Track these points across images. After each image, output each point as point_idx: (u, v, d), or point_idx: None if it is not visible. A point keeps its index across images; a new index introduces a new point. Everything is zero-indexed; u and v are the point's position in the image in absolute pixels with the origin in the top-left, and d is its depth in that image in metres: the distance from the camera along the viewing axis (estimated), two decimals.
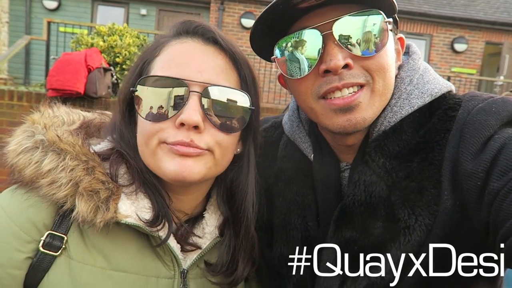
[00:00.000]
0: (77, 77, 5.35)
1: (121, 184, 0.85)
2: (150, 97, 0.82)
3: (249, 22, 11.21)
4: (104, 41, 6.58)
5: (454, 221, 0.81)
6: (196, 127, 0.80)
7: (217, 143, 0.84)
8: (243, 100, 0.86)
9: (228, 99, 0.84)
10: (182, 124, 0.79)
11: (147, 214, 0.84)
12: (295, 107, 1.12)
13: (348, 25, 0.83)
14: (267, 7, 0.85)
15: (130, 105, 0.89)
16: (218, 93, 0.82)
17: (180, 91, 0.80)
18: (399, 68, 0.96)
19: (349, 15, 0.83)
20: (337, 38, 0.83)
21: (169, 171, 0.80)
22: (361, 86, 0.86)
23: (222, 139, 0.84)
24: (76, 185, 0.78)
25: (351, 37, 0.83)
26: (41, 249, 0.77)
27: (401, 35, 0.98)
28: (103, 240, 0.82)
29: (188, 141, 0.79)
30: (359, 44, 0.84)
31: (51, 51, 7.86)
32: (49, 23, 7.61)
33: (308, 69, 0.87)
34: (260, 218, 1.04)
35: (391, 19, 0.88)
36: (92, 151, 0.85)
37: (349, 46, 0.83)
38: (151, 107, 0.81)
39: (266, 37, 0.91)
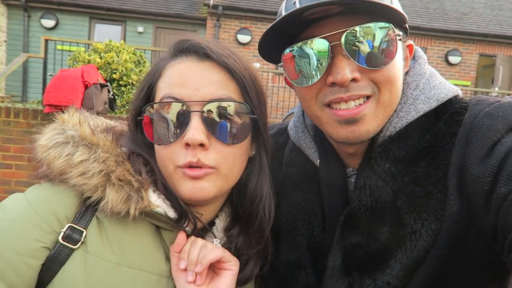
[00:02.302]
0: (74, 93, 5.36)
1: (147, 179, 0.87)
2: (156, 123, 0.86)
3: (244, 38, 11.36)
4: (101, 58, 6.62)
5: (461, 226, 0.80)
6: (202, 145, 0.82)
7: (224, 158, 0.86)
8: (243, 110, 0.88)
9: (228, 112, 0.86)
10: (188, 144, 0.82)
11: (172, 211, 0.86)
12: (300, 113, 1.12)
13: (357, 37, 0.83)
14: (276, 20, 0.85)
15: (140, 125, 0.92)
16: (218, 108, 0.85)
17: (182, 112, 0.84)
18: (405, 73, 0.96)
19: (359, 27, 0.83)
20: (345, 49, 0.83)
21: (184, 194, 0.85)
22: (367, 97, 0.86)
23: (228, 152, 0.87)
24: (108, 175, 0.81)
25: (359, 49, 0.83)
26: (61, 240, 0.78)
27: (410, 42, 0.97)
28: (121, 235, 0.83)
29: (195, 161, 0.82)
30: (367, 56, 0.83)
31: (48, 68, 7.91)
32: (46, 41, 7.67)
33: (315, 79, 0.87)
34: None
35: (400, 32, 0.88)
36: (120, 149, 0.88)
37: (357, 58, 0.83)
38: (159, 132, 0.86)
39: (274, 43, 0.92)
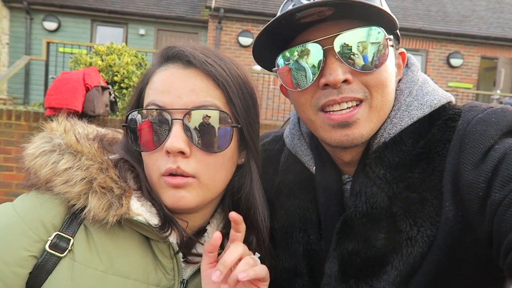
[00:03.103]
0: (75, 96, 5.37)
1: (131, 186, 0.88)
2: (140, 129, 0.87)
3: (246, 40, 11.38)
4: (102, 60, 6.64)
5: (457, 232, 0.80)
6: (182, 153, 0.83)
7: (205, 167, 0.86)
8: (226, 118, 0.87)
9: (209, 121, 0.85)
10: (168, 152, 0.82)
11: (155, 219, 0.85)
12: (296, 121, 1.12)
13: (349, 40, 0.84)
14: (269, 22, 0.86)
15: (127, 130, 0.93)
16: (199, 116, 0.84)
17: (163, 120, 0.84)
18: (399, 80, 0.97)
19: (350, 30, 0.84)
20: (337, 52, 0.84)
21: (166, 203, 0.86)
22: (360, 101, 0.87)
23: (210, 161, 0.86)
24: (90, 182, 0.81)
25: (351, 52, 0.84)
26: (48, 249, 0.78)
27: (402, 49, 0.99)
28: (108, 243, 0.83)
29: (175, 168, 0.82)
30: (359, 60, 0.85)
31: (50, 71, 7.92)
32: (48, 43, 7.70)
33: (309, 82, 0.88)
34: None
35: (391, 36, 0.89)
36: (106, 157, 0.88)
37: (349, 61, 0.85)
38: (143, 139, 0.86)
39: (268, 49, 0.93)
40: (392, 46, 0.90)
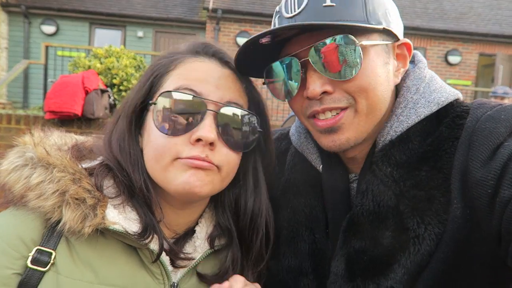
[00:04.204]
0: (75, 99, 5.38)
1: (106, 195, 0.86)
2: (168, 111, 0.85)
3: (244, 41, 11.35)
4: (101, 63, 6.65)
5: (464, 230, 0.80)
6: (211, 144, 0.83)
7: (227, 161, 0.87)
8: (253, 121, 0.92)
9: (240, 120, 0.89)
10: (197, 140, 0.82)
11: (135, 226, 0.84)
12: None
13: (321, 52, 0.84)
14: (242, 45, 0.86)
15: (137, 117, 0.91)
16: (232, 114, 0.88)
17: (198, 108, 0.84)
18: (405, 77, 0.95)
19: (323, 41, 0.83)
20: (313, 64, 0.85)
21: (180, 184, 0.83)
22: (343, 109, 0.87)
23: (231, 157, 0.89)
24: (63, 194, 0.79)
25: (327, 63, 0.84)
26: (29, 265, 0.77)
27: (406, 40, 0.95)
28: (91, 253, 0.82)
29: (203, 156, 0.83)
30: (334, 68, 0.84)
31: (49, 74, 7.94)
32: (47, 47, 7.71)
33: (293, 94, 0.91)
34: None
35: (366, 40, 0.85)
36: (80, 166, 0.87)
37: (324, 71, 0.85)
38: (168, 121, 0.84)
39: (256, 61, 0.93)
40: (377, 45, 0.87)
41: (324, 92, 0.85)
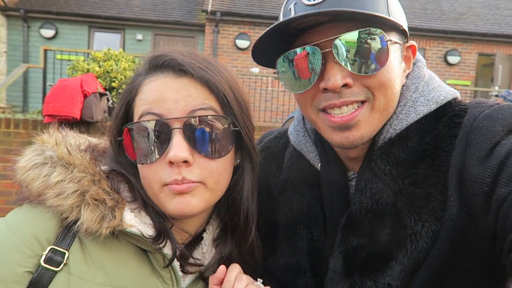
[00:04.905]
0: (73, 103, 5.38)
1: (124, 198, 0.86)
2: (137, 142, 0.85)
3: (243, 43, 11.39)
4: (100, 67, 6.65)
5: (461, 228, 0.80)
6: (185, 162, 0.81)
7: (209, 172, 0.85)
8: (225, 122, 0.87)
9: (209, 127, 0.85)
10: (171, 162, 0.81)
11: (150, 230, 0.85)
12: (300, 118, 1.12)
13: (348, 43, 0.83)
14: (266, 30, 0.85)
15: (121, 146, 0.91)
16: (199, 122, 0.84)
17: (162, 129, 0.83)
18: (407, 74, 0.96)
19: (349, 33, 0.82)
20: (336, 56, 0.83)
21: (171, 211, 0.84)
22: (362, 102, 0.86)
23: (213, 167, 0.86)
24: (83, 194, 0.80)
25: (350, 56, 0.83)
26: (43, 263, 0.77)
27: (412, 42, 0.96)
28: (103, 255, 0.82)
29: (180, 178, 0.81)
30: (358, 63, 0.83)
31: (48, 78, 7.94)
32: (45, 51, 7.72)
33: (309, 85, 0.88)
34: (262, 227, 1.04)
35: (392, 37, 0.87)
36: (99, 168, 0.87)
37: (348, 64, 0.83)
38: (141, 151, 0.85)
39: (268, 51, 0.92)
40: (396, 43, 0.89)
41: (344, 86, 0.84)
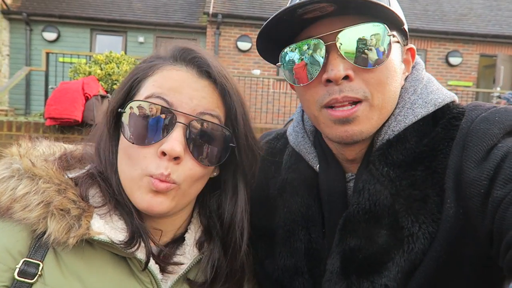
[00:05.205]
0: (75, 105, 5.40)
1: (92, 204, 0.85)
2: (137, 120, 0.83)
3: (245, 45, 11.42)
4: (101, 69, 6.68)
5: (457, 229, 0.80)
6: (176, 158, 0.81)
7: (191, 176, 0.85)
8: (225, 137, 0.88)
9: (211, 134, 0.86)
10: (163, 154, 0.80)
11: (122, 235, 0.83)
12: (300, 119, 1.13)
13: (351, 37, 0.84)
14: (272, 16, 0.87)
15: (116, 122, 0.90)
16: (203, 127, 0.84)
17: (167, 119, 0.82)
18: (406, 77, 0.97)
19: (353, 27, 0.84)
20: (339, 49, 0.84)
21: (141, 205, 0.83)
22: (360, 101, 0.87)
23: (197, 171, 0.86)
24: (48, 205, 0.79)
25: (353, 49, 0.85)
26: (16, 276, 0.76)
27: (412, 45, 0.98)
28: (78, 263, 0.81)
29: (166, 174, 0.81)
30: (360, 56, 0.85)
31: (50, 81, 7.97)
32: (47, 54, 7.75)
33: (311, 78, 0.89)
34: (259, 228, 1.04)
35: (395, 32, 0.89)
36: (66, 176, 0.86)
37: (351, 57, 0.85)
38: (137, 130, 0.83)
39: (272, 44, 0.93)
40: (398, 42, 0.90)
41: (345, 78, 0.85)
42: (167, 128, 0.82)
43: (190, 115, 0.83)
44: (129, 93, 0.88)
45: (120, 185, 0.86)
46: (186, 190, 0.86)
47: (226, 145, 0.88)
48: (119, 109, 0.86)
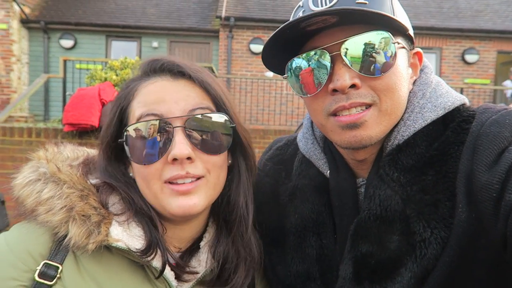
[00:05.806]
0: (91, 111, 5.51)
1: (112, 212, 0.88)
2: (138, 143, 0.86)
3: (257, 48, 11.44)
4: (117, 75, 6.78)
5: (470, 234, 0.79)
6: (189, 158, 0.84)
7: (212, 166, 0.89)
8: (222, 120, 0.92)
9: (210, 123, 0.89)
10: (175, 160, 0.84)
11: (139, 243, 0.86)
12: (309, 125, 1.13)
13: (356, 46, 0.85)
14: (276, 31, 0.88)
15: (115, 151, 0.93)
16: (200, 120, 0.88)
17: (164, 129, 0.85)
18: (414, 81, 0.97)
19: (356, 36, 0.85)
20: (344, 58, 0.85)
21: (176, 212, 0.86)
22: (369, 105, 0.87)
23: (214, 162, 0.90)
24: (70, 210, 0.82)
25: (358, 58, 0.85)
26: (37, 278, 0.79)
27: (419, 49, 0.98)
28: (96, 268, 0.84)
29: (184, 173, 0.84)
30: (366, 65, 0.85)
31: (67, 87, 8.14)
32: (65, 61, 7.92)
33: (318, 88, 0.89)
34: (270, 234, 1.05)
35: (399, 39, 0.89)
36: (89, 182, 0.90)
37: (356, 66, 0.85)
38: (143, 151, 0.86)
39: (278, 56, 0.94)
40: (403, 48, 0.90)
41: (352, 86, 0.86)
42: (169, 137, 0.85)
43: (182, 116, 0.86)
44: (121, 124, 0.91)
45: (140, 196, 0.89)
46: (215, 181, 0.90)
47: (227, 127, 0.92)
48: (119, 140, 0.90)
